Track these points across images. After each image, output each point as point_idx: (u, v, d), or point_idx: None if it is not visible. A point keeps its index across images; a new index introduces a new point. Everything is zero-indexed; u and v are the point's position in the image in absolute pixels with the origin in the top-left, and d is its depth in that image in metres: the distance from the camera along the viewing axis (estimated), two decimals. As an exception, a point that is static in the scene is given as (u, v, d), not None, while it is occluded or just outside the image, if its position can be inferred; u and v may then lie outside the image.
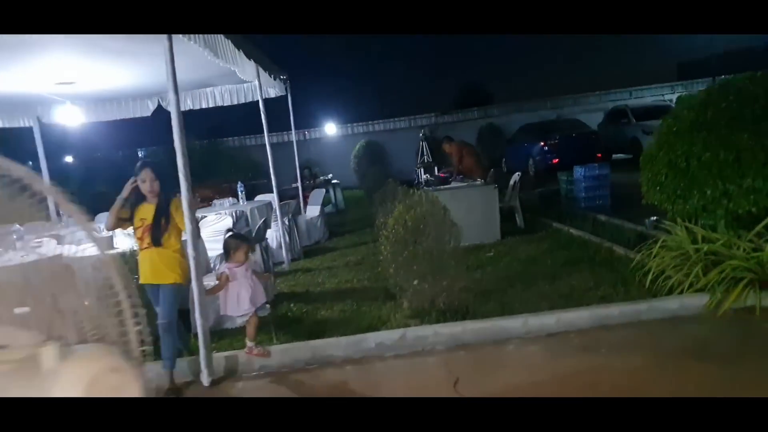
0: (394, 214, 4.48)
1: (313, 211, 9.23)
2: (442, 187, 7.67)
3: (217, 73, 7.03)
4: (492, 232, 7.44)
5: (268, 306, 4.16)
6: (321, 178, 13.79)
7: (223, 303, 3.99)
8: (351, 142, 21.86)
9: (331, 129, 22.34)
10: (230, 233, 4.13)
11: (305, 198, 13.82)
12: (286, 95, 9.45)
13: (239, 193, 8.58)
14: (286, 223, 7.66)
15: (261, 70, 6.88)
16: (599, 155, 15.12)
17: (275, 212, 7.62)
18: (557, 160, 14.90)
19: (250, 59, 6.10)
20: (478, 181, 7.78)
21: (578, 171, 8.75)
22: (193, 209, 3.69)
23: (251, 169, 18.05)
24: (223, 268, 3.99)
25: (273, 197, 7.11)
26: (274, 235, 7.36)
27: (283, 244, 7.11)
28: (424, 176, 8.34)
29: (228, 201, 8.70)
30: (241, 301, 3.97)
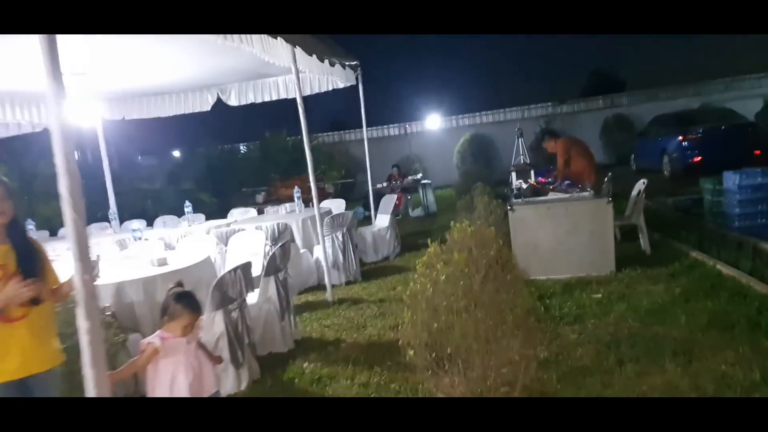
0: (418, 268, 2.91)
1: (382, 220, 7.81)
2: (536, 198, 5.87)
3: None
4: (604, 261, 5.54)
5: (220, 392, 2.82)
6: (410, 177, 12.32)
7: (151, 387, 2.68)
8: (456, 135, 20.12)
9: (434, 122, 20.74)
10: (175, 288, 2.80)
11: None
12: (357, 85, 8.08)
13: (296, 199, 7.37)
14: (339, 238, 6.31)
15: (302, 54, 5.53)
16: (758, 152, 12.18)
17: (327, 226, 6.30)
18: (700, 158, 12.17)
19: (276, 38, 4.78)
20: (587, 192, 5.88)
21: (730, 178, 6.48)
22: (85, 257, 2.40)
23: (344, 167, 17.04)
24: (155, 336, 2.68)
25: (315, 208, 5.76)
26: (325, 254, 6.01)
27: (326, 268, 5.74)
28: (516, 182, 6.59)
29: (284, 208, 7.54)
30: (176, 387, 2.64)
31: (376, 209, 12.81)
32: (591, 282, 5.28)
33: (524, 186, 6.36)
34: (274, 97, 8.16)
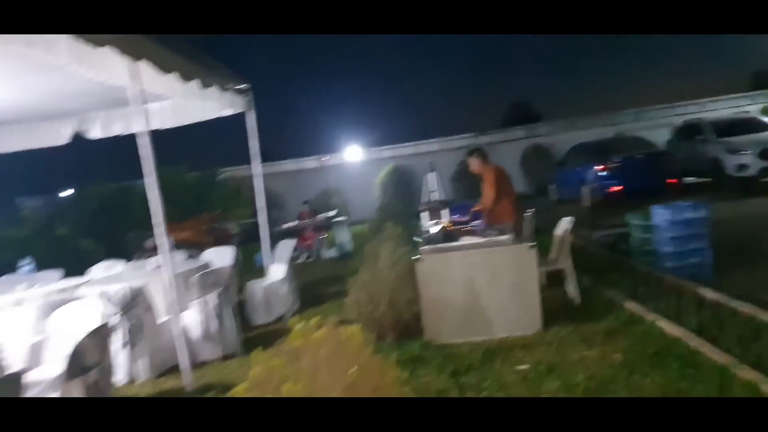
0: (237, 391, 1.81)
1: (276, 271, 6.64)
2: (448, 245, 4.92)
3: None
4: (529, 319, 4.66)
5: None
6: (320, 216, 11.24)
7: None
8: (378, 168, 19.34)
9: (354, 153, 19.89)
10: None
11: (304, 240, 11.34)
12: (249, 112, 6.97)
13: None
14: (213, 301, 5.10)
15: (155, 71, 4.40)
16: (673, 181, 12.08)
17: (196, 286, 5.09)
18: (619, 187, 11.91)
19: (101, 47, 3.62)
20: (507, 236, 5.01)
21: (660, 213, 5.84)
22: None
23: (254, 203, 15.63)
24: None
25: (164, 268, 4.50)
26: (176, 327, 4.77)
27: (178, 346, 4.49)
28: (427, 224, 5.64)
29: (148, 262, 6.21)
30: None
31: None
32: (515, 347, 4.37)
33: (435, 228, 5.43)
34: (150, 128, 6.92)
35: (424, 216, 6.20)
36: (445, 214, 6.17)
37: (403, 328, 4.85)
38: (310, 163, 20.14)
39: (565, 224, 5.53)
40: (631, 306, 4.79)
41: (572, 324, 4.66)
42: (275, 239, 11.85)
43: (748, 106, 18.61)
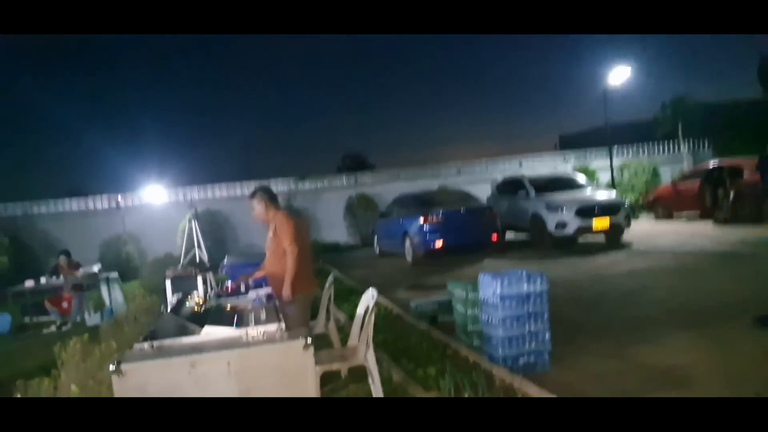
0: None
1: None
2: (172, 344, 3.04)
3: None
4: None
5: None
6: (81, 270, 8.61)
7: None
8: (184, 211, 16.75)
9: (155, 193, 17.13)
10: None
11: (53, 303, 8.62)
12: None
13: None
14: None
15: None
16: (495, 237, 11.52)
17: None
18: (441, 242, 11.00)
19: None
20: (275, 327, 3.28)
21: (489, 284, 4.56)
22: None
23: (8, 250, 12.29)
24: None
25: None
26: None
27: None
28: (172, 298, 3.73)
29: None
30: None
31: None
32: None
33: (180, 310, 3.51)
34: None
35: (169, 286, 4.20)
36: (202, 282, 4.29)
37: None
38: (100, 202, 16.97)
39: (367, 298, 3.98)
40: None
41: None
42: (22, 301, 8.96)
43: (562, 165, 19.67)
